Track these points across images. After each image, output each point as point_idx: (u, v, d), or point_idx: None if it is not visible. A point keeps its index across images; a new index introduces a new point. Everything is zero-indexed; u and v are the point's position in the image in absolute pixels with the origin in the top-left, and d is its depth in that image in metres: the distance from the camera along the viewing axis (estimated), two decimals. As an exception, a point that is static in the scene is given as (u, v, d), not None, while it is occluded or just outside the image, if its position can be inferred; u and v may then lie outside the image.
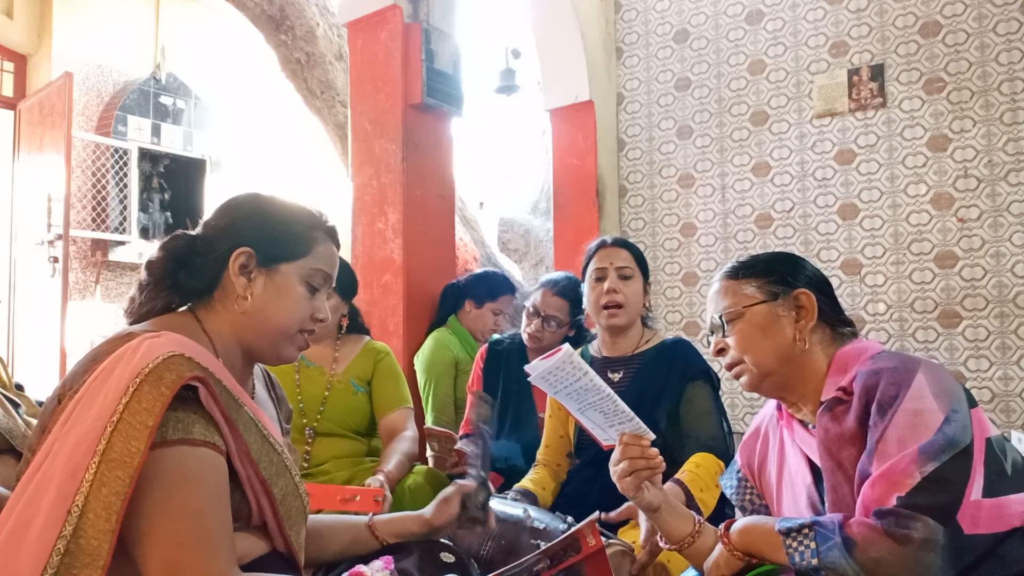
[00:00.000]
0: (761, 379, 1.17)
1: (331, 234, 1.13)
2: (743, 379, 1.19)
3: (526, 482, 1.86)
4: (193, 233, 1.09)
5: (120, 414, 0.83)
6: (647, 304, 1.90)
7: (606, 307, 1.82)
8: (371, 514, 1.27)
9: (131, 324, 1.02)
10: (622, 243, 1.90)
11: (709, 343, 1.25)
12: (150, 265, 1.06)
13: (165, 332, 0.94)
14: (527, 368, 1.18)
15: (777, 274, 1.19)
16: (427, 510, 1.26)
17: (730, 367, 1.21)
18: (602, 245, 1.89)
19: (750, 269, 1.21)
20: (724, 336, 1.20)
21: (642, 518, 1.41)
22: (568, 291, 2.29)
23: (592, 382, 1.15)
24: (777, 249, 3.55)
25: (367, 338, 2.22)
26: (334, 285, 1.94)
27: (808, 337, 1.15)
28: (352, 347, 2.15)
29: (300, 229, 1.09)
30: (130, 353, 0.88)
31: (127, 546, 0.84)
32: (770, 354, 1.15)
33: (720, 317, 1.20)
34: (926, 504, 0.93)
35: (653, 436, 1.19)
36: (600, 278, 1.84)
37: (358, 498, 1.67)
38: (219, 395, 0.91)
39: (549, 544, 1.04)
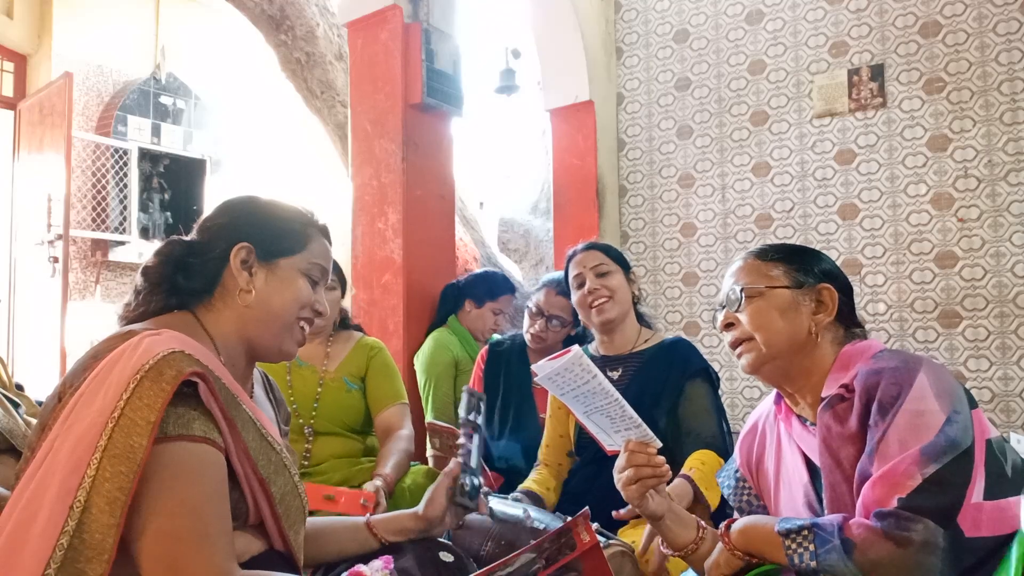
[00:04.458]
0: (765, 361, 1.16)
1: (323, 231, 1.15)
2: (746, 357, 1.17)
3: (530, 483, 1.87)
4: (188, 238, 1.10)
5: (121, 410, 0.83)
6: (636, 292, 1.92)
7: (592, 305, 1.86)
8: (368, 513, 1.27)
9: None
10: (591, 246, 1.96)
11: (717, 319, 1.22)
12: (146, 271, 1.07)
13: (165, 330, 0.94)
14: (534, 368, 1.18)
15: (805, 264, 1.18)
16: (420, 505, 1.26)
17: (735, 344, 1.19)
18: (573, 254, 1.95)
19: (779, 253, 1.20)
20: (738, 311, 1.18)
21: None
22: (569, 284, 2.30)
23: (600, 385, 1.14)
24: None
25: (359, 335, 2.19)
26: (331, 279, 1.96)
27: (821, 332, 1.15)
28: (344, 344, 2.13)
29: (295, 226, 1.11)
30: (131, 350, 0.89)
31: (126, 542, 0.84)
32: (782, 337, 1.14)
33: (740, 291, 1.18)
34: (927, 506, 0.93)
35: (659, 444, 1.18)
36: (580, 284, 1.89)
37: (343, 499, 1.67)
38: (218, 392, 0.91)
39: (539, 540, 1.03)
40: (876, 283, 3.51)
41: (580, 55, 4.04)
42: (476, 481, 1.28)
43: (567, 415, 1.91)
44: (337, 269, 2.09)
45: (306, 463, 1.98)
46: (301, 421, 2.01)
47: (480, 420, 1.31)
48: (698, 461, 1.66)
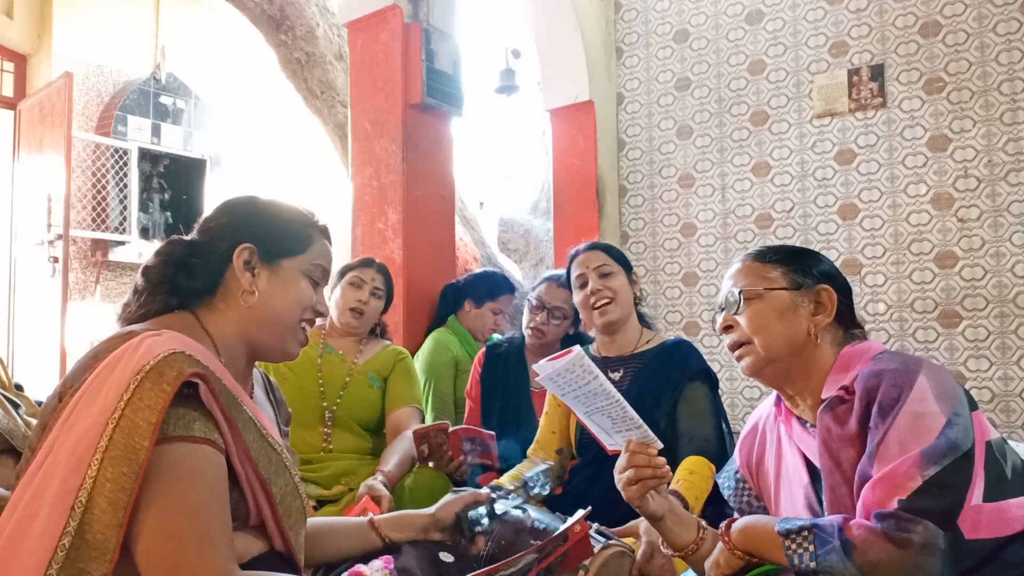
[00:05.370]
0: (765, 364, 1.16)
1: (324, 232, 1.16)
2: (746, 361, 1.18)
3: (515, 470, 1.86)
4: (189, 238, 1.10)
5: (122, 411, 0.83)
6: (637, 293, 1.92)
7: (595, 306, 1.85)
8: (371, 514, 1.28)
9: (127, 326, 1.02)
10: (594, 245, 1.94)
11: (716, 321, 1.23)
12: (147, 271, 1.06)
13: (166, 330, 0.94)
14: (535, 368, 1.18)
15: (804, 266, 1.18)
16: (434, 506, 1.28)
17: (734, 346, 1.19)
18: (576, 254, 1.94)
19: (777, 255, 1.20)
20: (736, 314, 1.18)
21: (643, 528, 1.44)
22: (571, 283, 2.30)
23: (602, 386, 1.13)
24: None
25: (389, 342, 2.32)
26: (379, 290, 2.09)
27: (821, 333, 1.15)
28: (375, 346, 2.25)
29: (297, 227, 1.11)
30: (131, 351, 0.89)
31: (126, 542, 0.84)
32: (781, 340, 1.14)
33: (739, 293, 1.18)
34: (927, 508, 0.93)
35: (660, 445, 1.18)
36: (583, 284, 1.88)
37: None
38: (219, 393, 0.91)
39: (543, 542, 1.04)
40: (876, 283, 3.51)
41: (580, 55, 4.04)
42: (485, 522, 1.28)
43: (565, 414, 1.91)
44: (388, 282, 2.25)
45: (326, 444, 2.04)
46: (325, 404, 2.06)
47: (537, 493, 1.34)
48: (687, 472, 1.64)
